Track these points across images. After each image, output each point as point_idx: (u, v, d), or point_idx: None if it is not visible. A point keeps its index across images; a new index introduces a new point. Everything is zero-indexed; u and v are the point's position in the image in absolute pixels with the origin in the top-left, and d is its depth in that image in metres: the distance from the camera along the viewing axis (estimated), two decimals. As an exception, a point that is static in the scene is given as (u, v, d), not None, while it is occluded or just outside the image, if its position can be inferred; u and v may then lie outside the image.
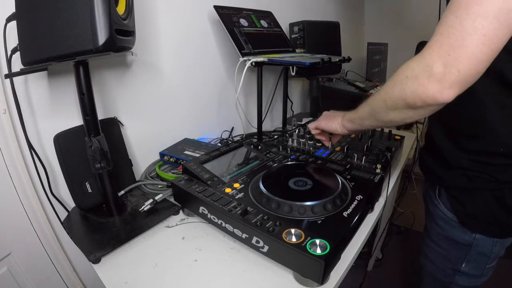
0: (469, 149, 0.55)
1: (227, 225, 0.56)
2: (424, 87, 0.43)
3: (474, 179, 0.56)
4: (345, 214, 0.53)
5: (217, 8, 0.96)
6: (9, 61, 0.57)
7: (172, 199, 0.71)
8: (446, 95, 0.42)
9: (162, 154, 0.90)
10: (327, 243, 0.45)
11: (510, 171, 0.53)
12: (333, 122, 0.72)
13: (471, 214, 0.60)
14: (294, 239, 0.47)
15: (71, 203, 0.71)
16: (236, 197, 0.59)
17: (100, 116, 0.66)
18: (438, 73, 0.41)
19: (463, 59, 0.40)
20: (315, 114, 1.41)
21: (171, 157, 0.87)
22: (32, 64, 0.53)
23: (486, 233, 0.60)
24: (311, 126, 0.79)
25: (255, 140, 1.05)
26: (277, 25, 1.17)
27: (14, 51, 0.55)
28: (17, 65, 0.56)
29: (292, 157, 0.78)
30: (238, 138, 1.18)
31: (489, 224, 0.59)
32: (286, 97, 1.21)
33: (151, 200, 0.68)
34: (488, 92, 0.49)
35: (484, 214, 0.58)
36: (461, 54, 0.40)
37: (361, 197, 0.58)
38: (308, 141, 0.86)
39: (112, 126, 0.77)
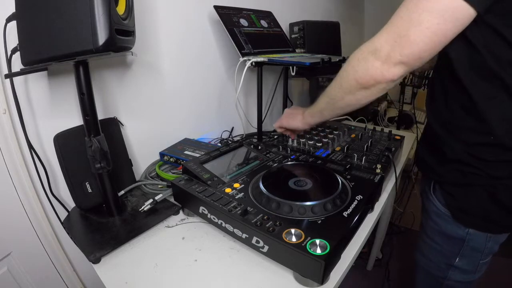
0: (463, 139, 0.57)
1: (227, 225, 0.56)
2: (373, 66, 0.50)
3: (468, 175, 0.57)
4: (345, 214, 0.53)
5: (217, 8, 0.96)
6: (9, 61, 0.57)
7: (172, 199, 0.71)
8: (392, 72, 0.49)
9: (162, 154, 0.90)
10: (327, 243, 0.45)
11: (502, 167, 0.54)
12: (294, 120, 0.76)
13: (464, 209, 0.61)
14: (294, 239, 0.47)
15: (71, 203, 0.71)
16: (236, 197, 0.59)
17: (100, 116, 0.66)
18: (384, 55, 0.48)
19: (405, 46, 0.46)
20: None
21: (171, 157, 0.87)
22: (32, 64, 0.53)
23: (479, 228, 0.61)
24: (275, 125, 0.84)
25: (255, 140, 1.05)
26: (277, 25, 1.17)
27: (14, 51, 0.55)
28: (17, 65, 0.56)
29: (292, 157, 0.78)
30: (238, 138, 1.18)
31: (481, 219, 0.60)
32: (286, 97, 1.21)
33: (151, 200, 0.68)
34: (475, 85, 0.51)
35: (477, 209, 0.59)
36: (404, 42, 0.46)
37: (361, 197, 0.58)
38: (308, 141, 0.86)
39: (112, 126, 0.77)
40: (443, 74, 0.58)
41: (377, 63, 0.50)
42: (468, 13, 0.42)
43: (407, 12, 0.45)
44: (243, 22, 1.03)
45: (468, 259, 0.66)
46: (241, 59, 0.93)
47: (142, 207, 0.67)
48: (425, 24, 0.43)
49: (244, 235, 0.53)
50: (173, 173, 0.85)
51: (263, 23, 1.11)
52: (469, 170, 0.57)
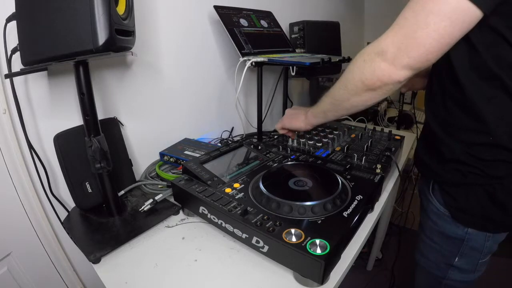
0: (461, 139, 0.56)
1: (227, 225, 0.56)
2: (380, 68, 0.50)
3: (467, 175, 0.57)
4: (345, 214, 0.53)
5: (217, 8, 0.96)
6: (9, 61, 0.57)
7: (172, 199, 0.71)
8: (399, 74, 0.49)
9: (162, 154, 0.90)
10: (327, 243, 0.45)
11: (500, 166, 0.54)
12: (297, 120, 0.76)
13: (463, 208, 0.61)
14: (294, 239, 0.47)
15: (71, 203, 0.71)
16: (236, 197, 0.59)
17: (100, 116, 0.66)
18: (391, 57, 0.48)
19: (413, 49, 0.45)
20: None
21: (171, 157, 0.87)
22: (32, 64, 0.53)
23: (478, 227, 0.61)
24: (277, 126, 0.84)
25: (255, 140, 1.05)
26: (277, 25, 1.17)
27: (14, 51, 0.55)
28: (17, 65, 0.56)
29: (292, 157, 0.78)
30: (238, 138, 1.18)
31: (480, 219, 0.60)
32: (286, 97, 1.21)
33: (151, 200, 0.68)
34: (475, 85, 0.51)
35: (476, 209, 0.59)
36: (411, 44, 0.45)
37: (361, 197, 0.58)
38: (308, 141, 0.86)
39: (112, 126, 0.77)
40: (442, 73, 0.58)
41: (383, 65, 0.49)
42: (474, 14, 0.42)
43: (413, 13, 0.45)
44: (243, 22, 1.03)
45: (467, 259, 0.66)
46: (241, 59, 0.93)
47: (142, 207, 0.67)
48: (432, 26, 0.43)
49: (244, 235, 0.53)
50: (173, 173, 0.85)
51: (263, 23, 1.11)
52: (468, 170, 0.57)
